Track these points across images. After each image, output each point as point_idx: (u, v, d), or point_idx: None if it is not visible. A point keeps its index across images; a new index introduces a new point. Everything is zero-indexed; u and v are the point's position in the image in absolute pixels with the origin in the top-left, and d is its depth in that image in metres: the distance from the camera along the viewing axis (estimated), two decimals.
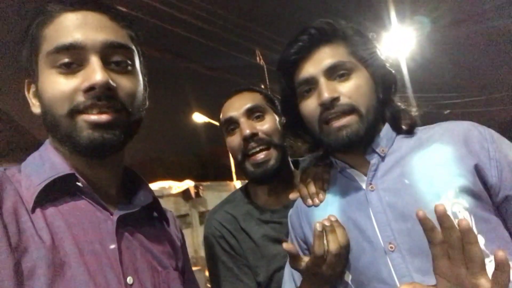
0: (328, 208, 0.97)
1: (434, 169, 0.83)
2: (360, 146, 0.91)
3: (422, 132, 0.94)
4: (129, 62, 0.75)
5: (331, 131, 0.88)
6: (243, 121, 1.19)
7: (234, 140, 1.21)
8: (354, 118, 0.87)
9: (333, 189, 1.00)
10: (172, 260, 0.83)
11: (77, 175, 0.70)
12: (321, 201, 1.00)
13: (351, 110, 0.87)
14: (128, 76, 0.74)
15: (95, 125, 0.68)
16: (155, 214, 0.89)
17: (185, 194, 8.98)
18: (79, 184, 0.70)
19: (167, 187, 8.74)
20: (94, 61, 0.68)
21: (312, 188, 1.02)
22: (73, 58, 0.68)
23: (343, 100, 0.87)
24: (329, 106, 0.86)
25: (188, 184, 9.12)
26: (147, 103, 0.84)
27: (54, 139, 0.73)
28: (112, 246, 0.69)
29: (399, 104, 0.96)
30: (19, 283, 0.56)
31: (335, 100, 0.86)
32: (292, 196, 1.09)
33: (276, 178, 1.19)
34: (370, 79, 0.92)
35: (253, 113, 1.21)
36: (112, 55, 0.72)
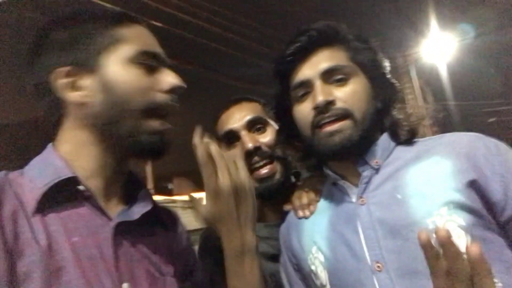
0: (318, 220, 0.93)
1: (428, 183, 0.77)
2: (353, 156, 0.86)
3: (422, 143, 0.88)
4: None
5: (323, 136, 0.84)
6: (244, 134, 1.14)
7: None
8: (347, 124, 0.83)
9: (324, 201, 0.96)
10: (172, 266, 0.83)
11: (79, 178, 0.71)
12: (311, 213, 0.96)
13: (346, 115, 0.83)
14: None
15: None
16: (156, 218, 0.88)
17: None
18: (81, 188, 0.71)
19: (198, 199, 8.81)
20: None
21: (304, 199, 0.98)
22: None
23: (339, 104, 0.83)
24: (323, 109, 0.83)
25: None
26: None
27: (95, 133, 0.74)
28: (109, 252, 0.70)
29: (399, 113, 0.91)
30: (14, 287, 0.57)
31: (330, 103, 0.83)
32: (286, 207, 1.05)
33: (280, 193, 1.13)
34: (369, 86, 0.88)
35: (254, 125, 1.16)
36: None
